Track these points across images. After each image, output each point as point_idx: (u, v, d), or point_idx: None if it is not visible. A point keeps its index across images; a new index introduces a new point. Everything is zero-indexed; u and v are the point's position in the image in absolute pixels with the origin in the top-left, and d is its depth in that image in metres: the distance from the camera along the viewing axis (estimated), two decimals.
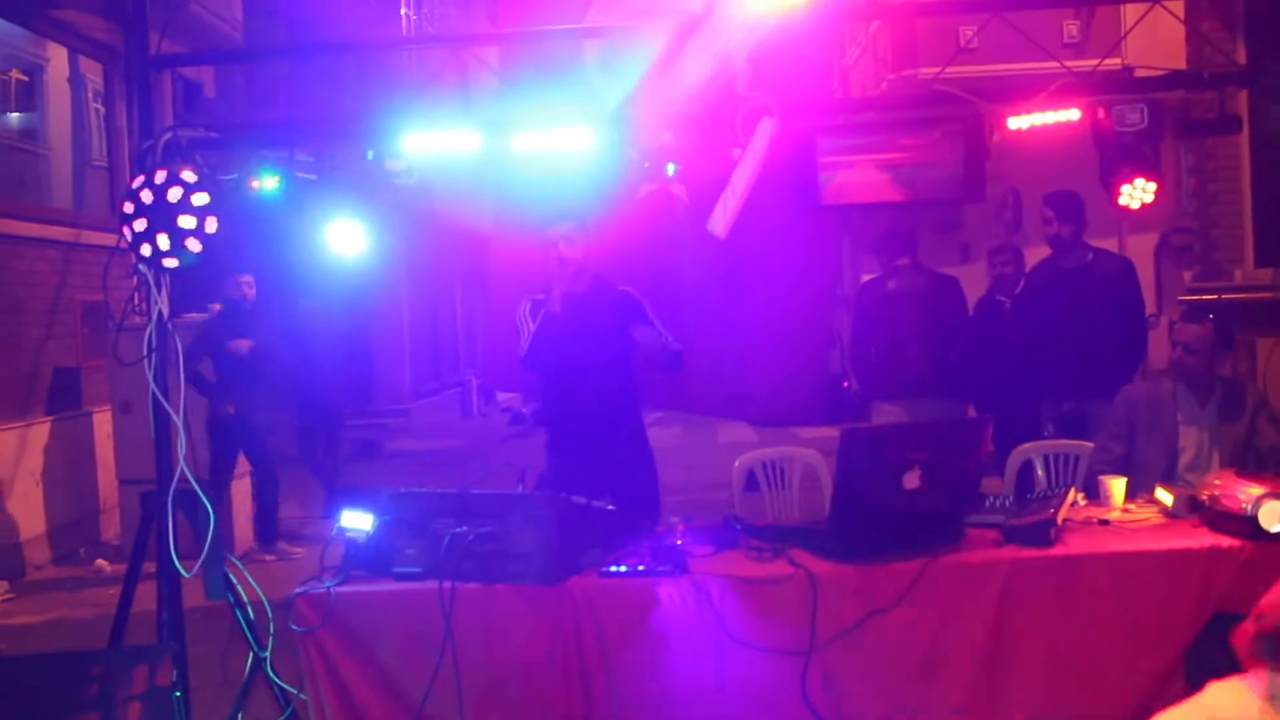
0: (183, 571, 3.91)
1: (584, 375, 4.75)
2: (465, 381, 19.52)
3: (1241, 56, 7.70)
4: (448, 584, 3.30)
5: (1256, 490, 3.50)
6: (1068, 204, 5.95)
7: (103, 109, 10.26)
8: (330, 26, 11.33)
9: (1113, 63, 8.32)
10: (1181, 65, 7.76)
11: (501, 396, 19.46)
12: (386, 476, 11.99)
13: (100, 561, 7.94)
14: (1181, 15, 6.44)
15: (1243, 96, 6.52)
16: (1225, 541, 3.49)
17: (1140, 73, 4.93)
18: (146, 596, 4.01)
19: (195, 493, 3.89)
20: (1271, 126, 5.04)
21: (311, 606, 3.38)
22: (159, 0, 6.45)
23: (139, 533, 3.99)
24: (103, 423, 8.58)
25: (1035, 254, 6.79)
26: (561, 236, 4.72)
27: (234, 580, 3.93)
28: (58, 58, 10.79)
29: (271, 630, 3.78)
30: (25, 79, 12.19)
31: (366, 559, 3.51)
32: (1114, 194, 5.03)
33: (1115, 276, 6.02)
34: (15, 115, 12.58)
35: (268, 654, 3.80)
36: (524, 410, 17.61)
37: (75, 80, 10.96)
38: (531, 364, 4.81)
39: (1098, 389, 5.46)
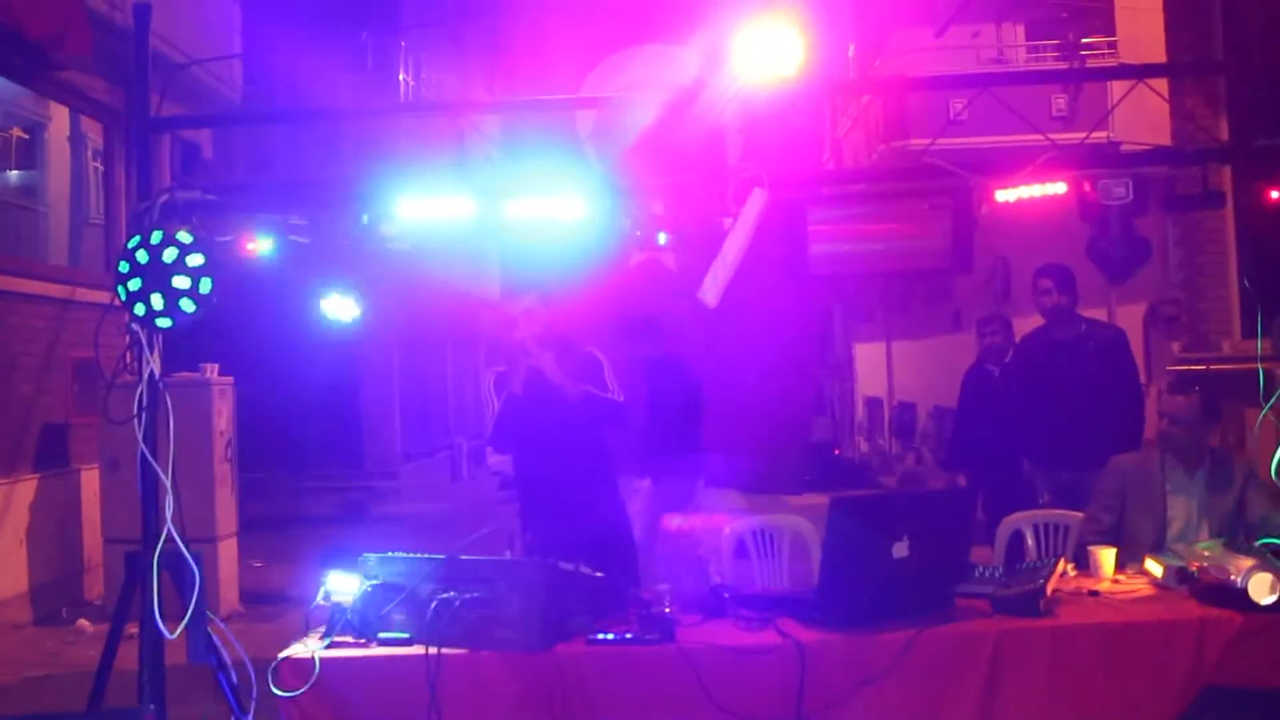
0: (166, 633, 3.87)
1: (554, 445, 4.75)
2: (455, 445, 19.46)
3: (1224, 133, 7.85)
4: (434, 650, 3.27)
5: (1246, 562, 3.50)
6: (1065, 275, 6.03)
7: (101, 168, 10.34)
8: (329, 92, 11.48)
9: (1099, 137, 8.49)
10: (1167, 141, 7.91)
11: (491, 460, 19.41)
12: (374, 539, 11.90)
13: (82, 621, 7.84)
14: (1166, 93, 6.57)
15: (1226, 172, 6.64)
16: (1215, 613, 3.48)
17: (1126, 147, 5.03)
18: (130, 658, 3.96)
19: (181, 553, 3.86)
20: (1254, 201, 5.11)
21: (295, 671, 3.34)
22: (160, 63, 6.55)
23: (122, 593, 3.95)
24: (90, 480, 8.53)
25: (1024, 323, 6.84)
26: (522, 311, 4.74)
27: (218, 643, 3.89)
28: (59, 117, 10.91)
29: (254, 694, 3.73)
30: (26, 137, 12.32)
31: (352, 623, 3.48)
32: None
33: (1109, 347, 6.06)
34: (15, 173, 12.68)
35: (249, 718, 3.75)
36: (513, 475, 17.53)
37: (75, 139, 11.07)
38: (500, 447, 4.84)
39: (1095, 459, 5.47)
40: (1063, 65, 12.97)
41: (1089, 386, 5.91)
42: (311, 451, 15.63)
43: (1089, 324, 6.15)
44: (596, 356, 4.87)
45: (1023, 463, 6.22)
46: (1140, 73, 5.31)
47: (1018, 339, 6.92)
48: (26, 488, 8.08)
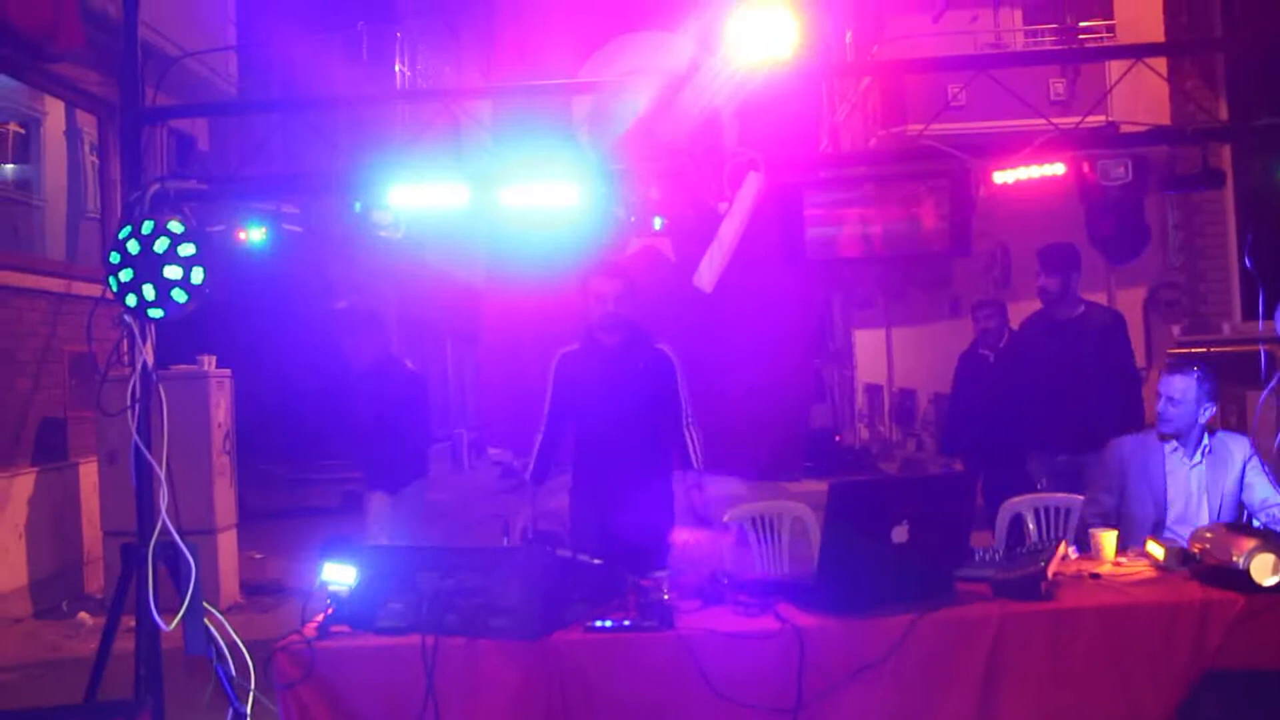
0: (162, 625, 3.86)
1: (617, 427, 4.72)
2: (455, 435, 19.45)
3: (1223, 113, 7.82)
4: (430, 638, 3.26)
5: (1248, 543, 3.48)
6: (1054, 257, 6.01)
7: (97, 161, 10.32)
8: (324, 83, 11.43)
9: (1097, 119, 8.45)
10: (1166, 121, 7.88)
11: (492, 451, 19.39)
12: None
13: (82, 614, 7.84)
14: (1165, 73, 6.53)
15: (1226, 151, 6.61)
16: (1218, 595, 3.46)
17: (1125, 128, 4.99)
18: (131, 650, 3.95)
19: (177, 545, 3.85)
20: (1254, 180, 5.09)
21: (292, 661, 3.32)
22: (154, 56, 6.52)
23: (119, 585, 3.94)
24: (89, 474, 8.52)
25: (1024, 308, 6.83)
26: (612, 291, 4.68)
27: (215, 634, 3.88)
28: (55, 111, 10.88)
29: (253, 684, 3.72)
30: (22, 131, 12.28)
31: (349, 613, 3.46)
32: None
33: (1105, 329, 6.05)
34: (12, 167, 12.65)
35: (248, 708, 3.74)
36: (515, 464, 17.53)
37: (71, 133, 11.05)
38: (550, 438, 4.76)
39: (1092, 442, 5.46)
40: (1061, 48, 12.93)
41: (1083, 368, 5.89)
42: (311, 443, 15.61)
43: (1088, 306, 6.13)
44: (669, 356, 4.83)
45: (1018, 447, 6.21)
46: (1139, 52, 5.27)
47: (1018, 323, 6.90)
48: (25, 481, 8.08)
